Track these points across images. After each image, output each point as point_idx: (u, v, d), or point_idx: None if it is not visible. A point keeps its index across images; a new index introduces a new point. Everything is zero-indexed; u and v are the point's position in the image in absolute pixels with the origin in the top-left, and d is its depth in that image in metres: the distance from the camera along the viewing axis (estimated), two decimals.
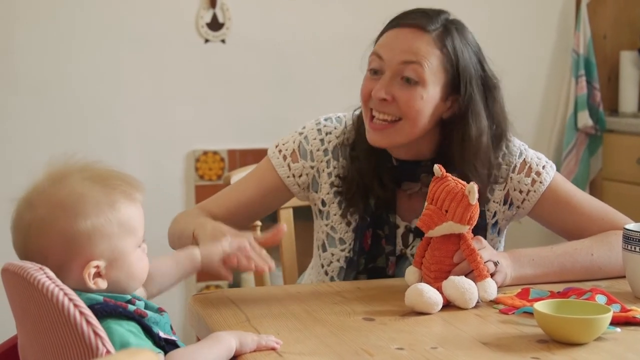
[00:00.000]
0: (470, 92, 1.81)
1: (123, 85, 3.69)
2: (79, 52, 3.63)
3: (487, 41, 4.37)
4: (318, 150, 1.93)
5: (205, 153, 3.78)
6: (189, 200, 3.78)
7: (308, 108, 3.82)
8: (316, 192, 1.95)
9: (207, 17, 3.75)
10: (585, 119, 4.03)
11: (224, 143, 3.81)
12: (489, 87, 1.85)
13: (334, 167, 1.92)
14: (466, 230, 1.65)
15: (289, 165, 1.93)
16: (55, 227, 1.32)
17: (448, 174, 1.67)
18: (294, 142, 1.95)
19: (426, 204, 1.67)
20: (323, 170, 1.93)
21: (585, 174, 4.08)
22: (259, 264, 1.57)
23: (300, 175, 1.94)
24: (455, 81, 1.81)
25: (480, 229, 1.78)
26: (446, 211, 1.63)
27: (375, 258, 1.90)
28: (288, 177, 1.94)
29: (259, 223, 2.23)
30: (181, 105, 3.76)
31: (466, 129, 1.81)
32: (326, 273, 1.95)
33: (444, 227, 1.64)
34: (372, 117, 1.82)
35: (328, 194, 1.93)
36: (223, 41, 3.77)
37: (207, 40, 3.76)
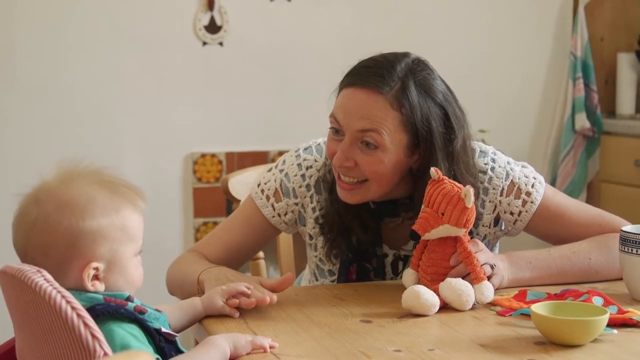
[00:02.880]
0: (429, 149, 1.75)
1: (121, 88, 3.69)
2: (77, 55, 3.63)
3: (485, 44, 4.39)
4: (300, 186, 1.91)
5: (203, 155, 3.78)
6: (187, 203, 3.78)
7: (305, 110, 3.83)
8: (304, 225, 1.93)
9: (205, 20, 3.75)
10: (582, 121, 4.03)
11: (222, 146, 3.81)
12: (451, 139, 1.76)
13: (317, 202, 1.90)
14: (462, 233, 1.65)
15: (272, 206, 1.91)
16: (60, 225, 1.34)
17: (444, 177, 1.67)
18: (275, 180, 1.92)
19: (423, 206, 1.67)
20: (307, 205, 1.91)
21: (583, 176, 4.08)
22: (260, 298, 1.57)
23: (285, 214, 1.92)
24: (417, 138, 1.74)
25: None
26: (442, 214, 1.63)
27: None
28: (273, 217, 1.92)
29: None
30: (179, 108, 3.76)
31: (425, 182, 1.71)
32: None
33: (440, 230, 1.64)
34: (340, 176, 1.79)
35: (314, 228, 1.91)
36: (221, 44, 3.77)
37: (205, 43, 3.76)
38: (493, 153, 1.89)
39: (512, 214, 1.86)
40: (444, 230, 1.64)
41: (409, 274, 1.71)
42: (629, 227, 1.71)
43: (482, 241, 1.86)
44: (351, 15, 3.89)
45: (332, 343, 1.44)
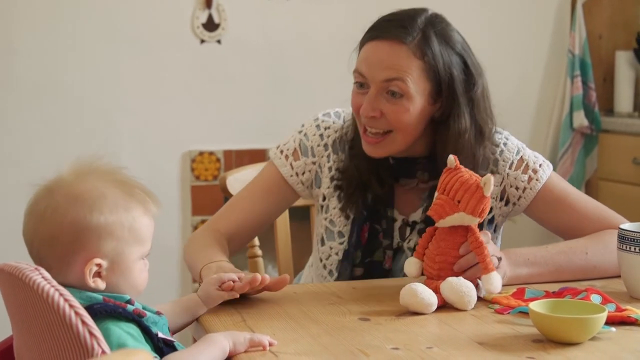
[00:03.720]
0: (451, 96, 1.82)
1: (119, 86, 3.69)
2: (75, 53, 3.63)
3: (483, 41, 4.39)
4: (318, 145, 1.96)
5: (201, 153, 3.78)
6: (185, 201, 3.78)
7: (303, 108, 3.82)
8: (319, 187, 1.97)
9: (203, 18, 3.75)
10: (580, 119, 4.03)
11: (220, 143, 3.81)
12: (471, 85, 1.84)
13: (334, 161, 1.95)
14: (477, 222, 1.64)
15: (291, 164, 1.96)
16: (68, 216, 1.34)
17: (461, 166, 1.66)
18: (294, 140, 1.98)
19: (437, 194, 1.66)
20: (324, 165, 1.96)
21: (581, 174, 4.09)
22: (250, 278, 1.57)
23: (303, 173, 1.96)
24: (440, 85, 1.81)
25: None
26: (459, 202, 1.62)
27: (372, 252, 1.91)
28: (291, 175, 1.96)
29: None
30: (177, 106, 3.76)
31: (448, 130, 1.82)
32: (324, 267, 1.97)
33: (455, 217, 1.63)
34: (365, 129, 1.84)
35: (328, 187, 1.95)
36: (219, 42, 3.77)
37: (202, 41, 3.76)
38: (507, 134, 1.96)
39: (517, 188, 1.90)
40: (458, 218, 1.63)
41: (412, 262, 1.69)
42: (627, 225, 1.71)
43: (489, 214, 1.91)
44: (349, 14, 3.89)
45: (330, 341, 1.44)
